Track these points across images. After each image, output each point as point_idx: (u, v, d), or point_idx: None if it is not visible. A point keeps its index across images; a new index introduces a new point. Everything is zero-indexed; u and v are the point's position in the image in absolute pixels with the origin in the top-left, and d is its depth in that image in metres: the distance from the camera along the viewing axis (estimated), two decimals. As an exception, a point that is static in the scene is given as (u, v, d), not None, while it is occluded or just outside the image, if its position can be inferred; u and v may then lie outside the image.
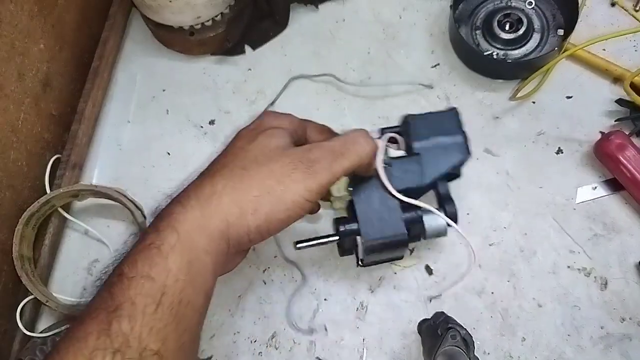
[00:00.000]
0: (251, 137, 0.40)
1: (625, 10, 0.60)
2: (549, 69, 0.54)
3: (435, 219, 0.45)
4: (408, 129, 0.47)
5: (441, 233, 0.45)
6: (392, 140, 0.48)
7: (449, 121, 0.47)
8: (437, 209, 0.45)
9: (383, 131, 0.48)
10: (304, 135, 0.43)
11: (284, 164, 0.37)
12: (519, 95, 0.56)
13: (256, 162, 0.38)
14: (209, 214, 0.35)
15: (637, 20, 0.60)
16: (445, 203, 0.45)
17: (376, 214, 0.43)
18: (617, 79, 0.57)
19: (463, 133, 0.46)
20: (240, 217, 0.36)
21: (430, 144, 0.46)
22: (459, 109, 0.48)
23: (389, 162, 0.44)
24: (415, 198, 0.44)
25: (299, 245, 0.45)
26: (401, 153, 0.46)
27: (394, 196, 0.43)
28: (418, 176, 0.45)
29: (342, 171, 0.38)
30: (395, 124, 0.49)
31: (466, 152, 0.46)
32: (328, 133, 0.45)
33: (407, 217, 0.44)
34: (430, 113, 0.47)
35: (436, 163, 0.45)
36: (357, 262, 0.51)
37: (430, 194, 0.48)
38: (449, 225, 0.45)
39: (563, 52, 0.54)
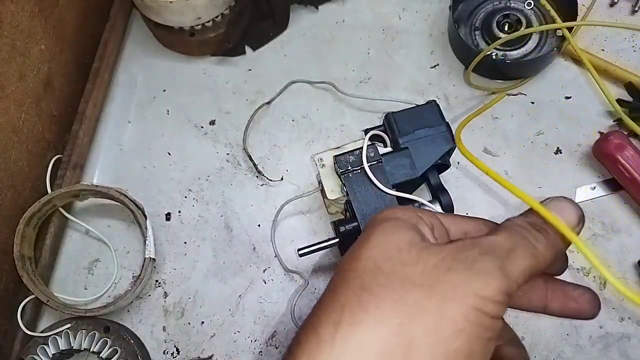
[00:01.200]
0: (360, 245, 0.27)
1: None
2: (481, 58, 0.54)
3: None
4: (392, 126, 0.47)
5: None
6: (378, 140, 0.48)
7: (429, 113, 0.48)
8: (430, 201, 0.45)
9: (367, 132, 0.48)
10: (441, 230, 0.30)
11: (427, 265, 0.25)
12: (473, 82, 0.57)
13: (381, 274, 0.25)
14: None
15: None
16: (440, 193, 0.46)
17: (374, 210, 0.44)
18: (616, 80, 0.57)
19: (446, 123, 0.47)
20: None
21: (416, 137, 0.47)
22: (437, 101, 0.49)
23: (380, 160, 0.45)
24: (410, 191, 0.45)
25: (301, 252, 0.45)
26: (389, 150, 0.47)
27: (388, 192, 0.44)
28: (410, 169, 0.45)
29: (521, 275, 0.26)
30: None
31: (451, 140, 0.47)
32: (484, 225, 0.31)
33: None
34: (410, 108, 0.48)
35: (425, 154, 0.46)
36: None
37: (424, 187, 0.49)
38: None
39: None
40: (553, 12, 0.55)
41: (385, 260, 0.25)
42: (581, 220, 0.28)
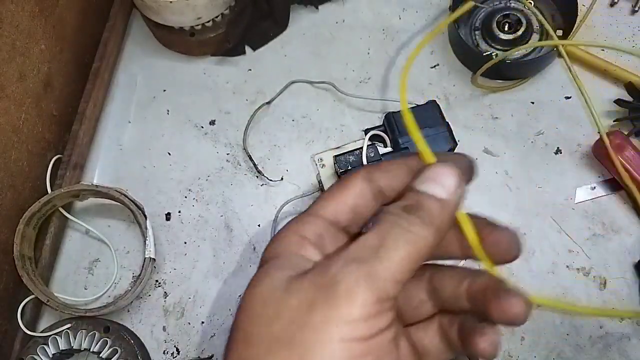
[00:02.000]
0: (237, 312, 0.24)
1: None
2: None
3: None
4: (392, 126, 0.47)
5: None
6: (378, 140, 0.48)
7: (430, 114, 0.48)
8: None
9: (367, 132, 0.48)
10: (333, 232, 0.26)
11: (290, 312, 0.21)
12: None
13: (250, 345, 0.22)
14: None
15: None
16: None
17: None
18: (616, 80, 0.57)
19: (446, 123, 0.47)
20: None
21: None
22: (437, 101, 0.48)
23: (380, 160, 0.45)
24: None
25: None
26: (389, 150, 0.47)
27: None
28: None
29: (397, 271, 0.22)
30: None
31: (452, 140, 0.47)
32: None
33: None
34: (410, 108, 0.48)
35: None
36: None
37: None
38: None
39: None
40: (535, 11, 0.55)
41: (253, 324, 0.22)
42: (466, 174, 0.26)
